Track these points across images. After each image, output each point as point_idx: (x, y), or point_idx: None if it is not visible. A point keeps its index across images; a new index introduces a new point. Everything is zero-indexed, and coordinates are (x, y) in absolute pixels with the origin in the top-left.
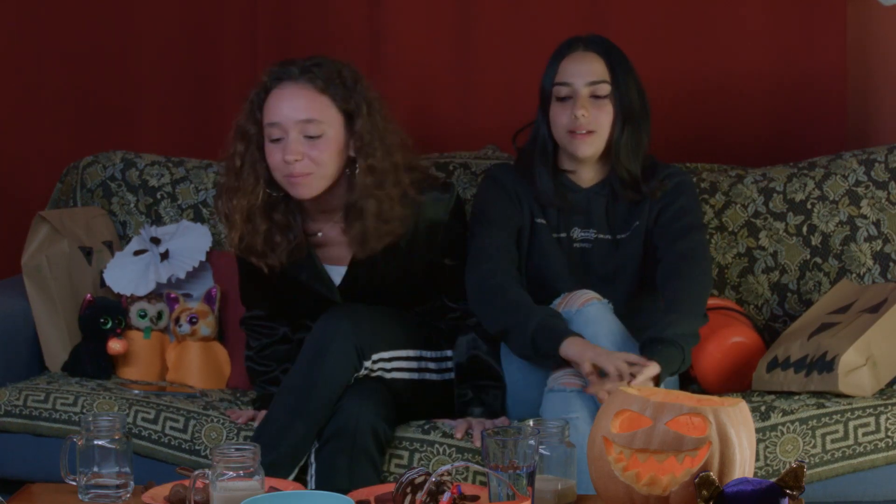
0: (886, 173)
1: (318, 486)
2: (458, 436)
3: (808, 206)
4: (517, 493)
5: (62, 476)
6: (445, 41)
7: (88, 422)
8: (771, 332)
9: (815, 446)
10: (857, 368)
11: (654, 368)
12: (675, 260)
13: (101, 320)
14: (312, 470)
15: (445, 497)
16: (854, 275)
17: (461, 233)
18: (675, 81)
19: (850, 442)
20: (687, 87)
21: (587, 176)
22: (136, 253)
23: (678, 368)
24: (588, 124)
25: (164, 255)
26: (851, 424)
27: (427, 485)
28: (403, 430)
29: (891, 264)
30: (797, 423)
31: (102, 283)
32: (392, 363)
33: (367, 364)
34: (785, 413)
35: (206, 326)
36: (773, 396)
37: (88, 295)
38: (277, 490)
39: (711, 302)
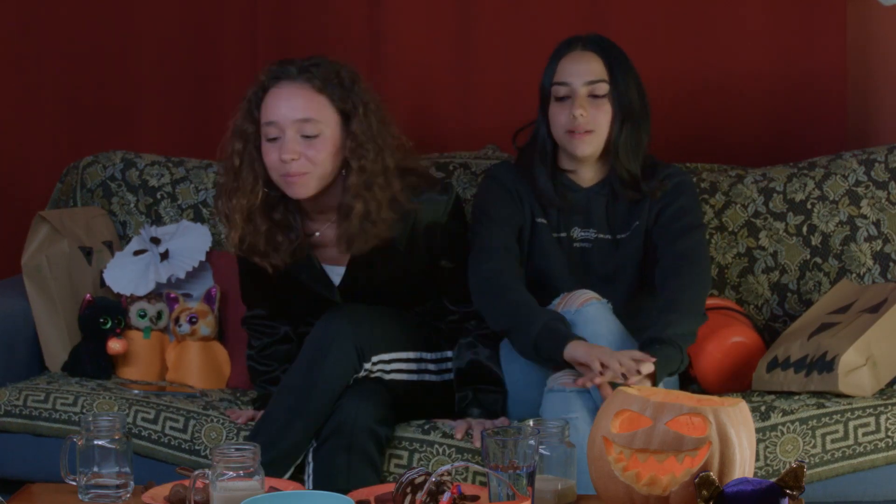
0: (886, 173)
1: (316, 486)
2: (458, 436)
3: (808, 206)
4: (517, 493)
5: (62, 476)
6: (445, 41)
7: (88, 422)
8: (771, 332)
9: (815, 446)
10: (857, 368)
11: (650, 366)
12: (674, 260)
13: (101, 320)
14: (310, 469)
15: (445, 497)
16: (854, 275)
17: (460, 234)
18: (675, 81)
19: (850, 442)
20: (687, 87)
21: (587, 175)
22: (136, 253)
23: (677, 368)
24: (586, 124)
25: (164, 255)
26: (851, 424)
27: (427, 485)
28: (403, 429)
29: (891, 264)
30: (797, 423)
31: (102, 283)
32: (391, 365)
33: (367, 365)
34: (785, 413)
35: (205, 326)
36: (773, 396)
37: (88, 295)
38: (277, 490)
39: (711, 302)
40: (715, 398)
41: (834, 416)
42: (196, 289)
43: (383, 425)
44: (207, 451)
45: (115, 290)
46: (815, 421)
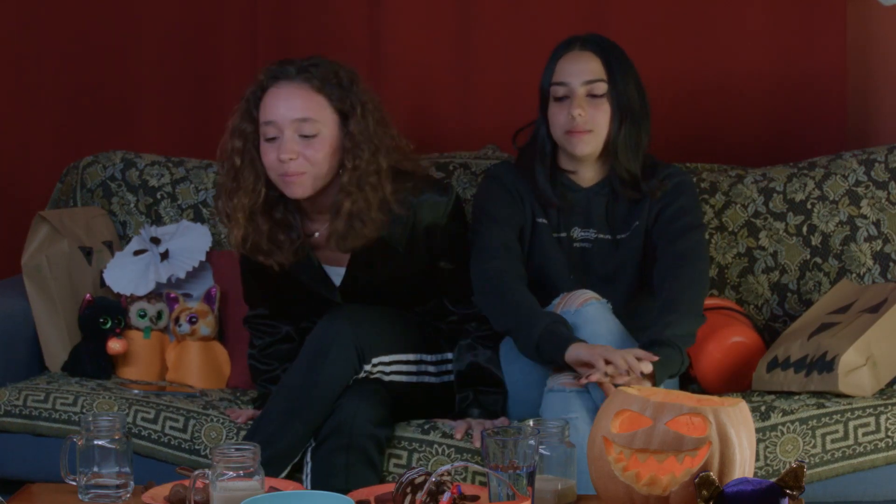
0: (886, 173)
1: (315, 485)
2: (458, 436)
3: (808, 206)
4: (517, 493)
5: (62, 476)
6: (445, 41)
7: (88, 422)
8: (771, 332)
9: (815, 446)
10: (857, 368)
11: (649, 365)
12: (672, 260)
13: (101, 320)
14: (308, 469)
15: (445, 497)
16: (854, 275)
17: (460, 235)
18: (675, 81)
19: (850, 442)
20: (687, 87)
21: (587, 175)
22: (136, 253)
23: (678, 370)
24: (585, 123)
25: (164, 255)
26: (851, 424)
27: (427, 485)
28: (403, 429)
29: (891, 264)
30: (797, 423)
31: (102, 283)
32: (391, 366)
33: (367, 367)
34: (785, 413)
35: (205, 326)
36: (773, 396)
37: (88, 295)
38: (277, 490)
39: (711, 302)
40: (715, 398)
41: (834, 416)
42: (196, 289)
43: (383, 426)
44: (207, 451)
45: (115, 290)
46: (815, 421)
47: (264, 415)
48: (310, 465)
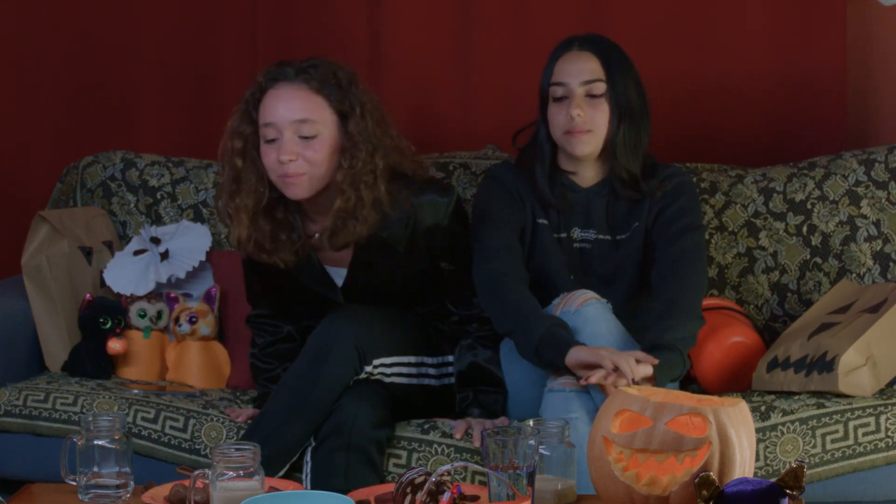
0: (886, 173)
1: (314, 485)
2: (458, 436)
3: (808, 206)
4: (517, 493)
5: (62, 476)
6: (445, 41)
7: (88, 422)
8: (771, 332)
9: (815, 446)
10: (857, 368)
11: (649, 368)
12: (671, 262)
13: (101, 320)
14: (308, 469)
15: (445, 497)
16: (854, 275)
17: (461, 235)
18: (675, 81)
19: (850, 442)
20: (687, 87)
21: (587, 176)
22: (136, 253)
23: (679, 373)
24: (584, 123)
25: (164, 255)
26: (851, 424)
27: (427, 485)
28: (402, 429)
29: (891, 264)
30: (797, 423)
31: (102, 283)
32: (392, 368)
33: (368, 368)
34: (785, 413)
35: (205, 326)
36: (773, 396)
37: (88, 295)
38: (277, 490)
39: (711, 302)
40: (715, 398)
41: (834, 416)
42: (196, 289)
43: (383, 426)
44: (207, 451)
45: (116, 289)
46: (815, 421)
47: (264, 413)
48: (310, 464)
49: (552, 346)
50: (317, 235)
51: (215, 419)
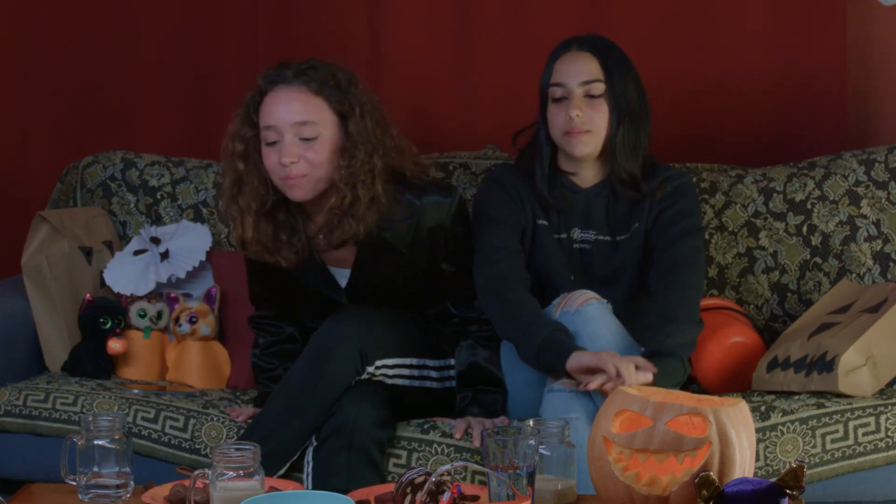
0: (886, 173)
1: (316, 485)
2: (458, 436)
3: (808, 206)
4: (517, 493)
5: (62, 476)
6: (445, 41)
7: (88, 422)
8: (771, 332)
9: (815, 446)
10: (857, 368)
11: (649, 375)
12: (669, 264)
13: (101, 320)
14: (309, 468)
15: (445, 497)
16: (854, 275)
17: (464, 236)
18: (675, 81)
19: (850, 442)
20: (687, 87)
21: (587, 176)
22: (136, 253)
23: (680, 380)
24: (583, 124)
25: (164, 255)
26: (851, 424)
27: (427, 485)
28: (402, 429)
29: (891, 264)
30: (797, 423)
31: (102, 283)
32: (394, 369)
33: (370, 369)
34: (785, 413)
35: (205, 326)
36: (773, 396)
37: (88, 295)
38: (277, 490)
39: (711, 302)
40: (715, 398)
41: (834, 416)
42: (196, 289)
43: (384, 427)
44: (208, 450)
45: (116, 289)
46: (815, 421)
47: (264, 412)
48: (311, 464)
49: (553, 351)
50: (321, 237)
51: (215, 419)
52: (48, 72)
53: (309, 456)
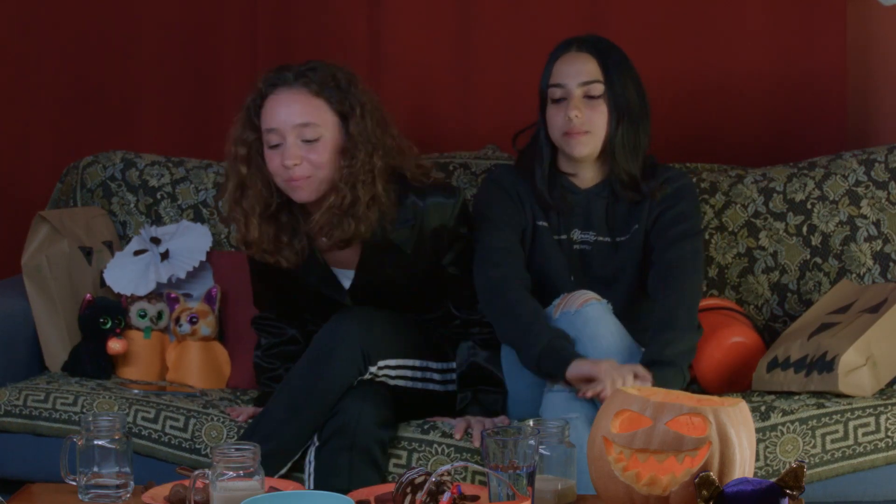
0: (886, 173)
1: (317, 485)
2: (457, 437)
3: (808, 206)
4: (517, 493)
5: (62, 476)
6: (445, 41)
7: (88, 422)
8: (771, 332)
9: (815, 446)
10: (857, 368)
11: (647, 384)
12: (666, 269)
13: (101, 320)
14: (311, 468)
15: (445, 497)
16: (854, 275)
17: (467, 237)
18: (675, 81)
19: (850, 442)
20: (687, 87)
21: (586, 177)
22: (137, 253)
23: (680, 388)
24: (582, 125)
25: (165, 255)
26: (851, 424)
27: (427, 485)
28: (402, 429)
29: (891, 264)
30: (797, 423)
31: (102, 283)
32: (397, 371)
33: (373, 369)
34: (785, 413)
35: (206, 326)
36: (773, 396)
37: (88, 295)
38: (277, 490)
39: (711, 302)
40: (715, 398)
41: (834, 416)
42: (196, 289)
43: (386, 426)
44: (208, 450)
45: (116, 290)
46: (815, 421)
47: (266, 411)
48: (313, 464)
49: (553, 358)
50: (324, 239)
51: (216, 419)
52: (48, 72)
53: (311, 456)
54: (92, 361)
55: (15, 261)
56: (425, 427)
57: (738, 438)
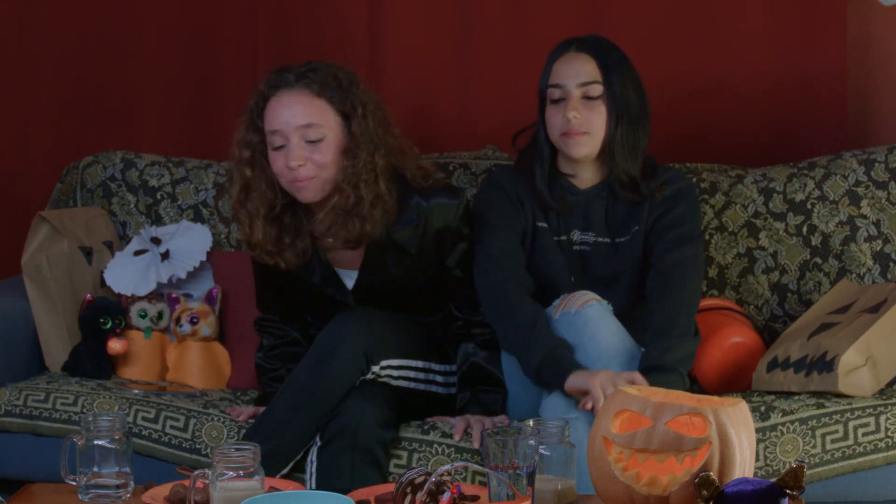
0: (886, 173)
1: (319, 485)
2: (457, 437)
3: (808, 206)
4: (517, 493)
5: (62, 476)
6: (445, 41)
7: (88, 422)
8: (771, 332)
9: (815, 446)
10: (857, 368)
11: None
12: (664, 273)
13: (101, 320)
14: (313, 468)
15: (445, 497)
16: (854, 275)
17: (470, 238)
18: (675, 81)
19: (850, 442)
20: (687, 87)
21: (586, 178)
22: (137, 253)
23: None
24: (580, 125)
25: (165, 255)
26: (851, 424)
27: (427, 485)
28: (403, 429)
29: (891, 264)
30: (797, 423)
31: (102, 283)
32: (399, 371)
33: (375, 369)
34: (785, 413)
35: (206, 326)
36: (773, 396)
37: (88, 295)
38: (277, 490)
39: (711, 302)
40: (715, 398)
41: (834, 416)
42: (197, 289)
43: (388, 427)
44: (208, 450)
45: (116, 290)
46: (815, 421)
47: (268, 411)
48: (314, 464)
49: (553, 367)
50: (329, 239)
51: (216, 419)
52: (48, 72)
53: (312, 456)
54: (92, 361)
55: (15, 261)
56: (425, 427)
57: (738, 438)
